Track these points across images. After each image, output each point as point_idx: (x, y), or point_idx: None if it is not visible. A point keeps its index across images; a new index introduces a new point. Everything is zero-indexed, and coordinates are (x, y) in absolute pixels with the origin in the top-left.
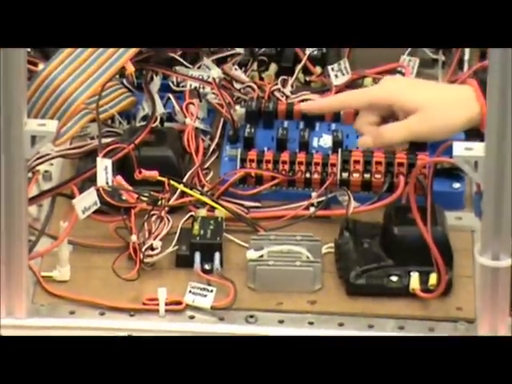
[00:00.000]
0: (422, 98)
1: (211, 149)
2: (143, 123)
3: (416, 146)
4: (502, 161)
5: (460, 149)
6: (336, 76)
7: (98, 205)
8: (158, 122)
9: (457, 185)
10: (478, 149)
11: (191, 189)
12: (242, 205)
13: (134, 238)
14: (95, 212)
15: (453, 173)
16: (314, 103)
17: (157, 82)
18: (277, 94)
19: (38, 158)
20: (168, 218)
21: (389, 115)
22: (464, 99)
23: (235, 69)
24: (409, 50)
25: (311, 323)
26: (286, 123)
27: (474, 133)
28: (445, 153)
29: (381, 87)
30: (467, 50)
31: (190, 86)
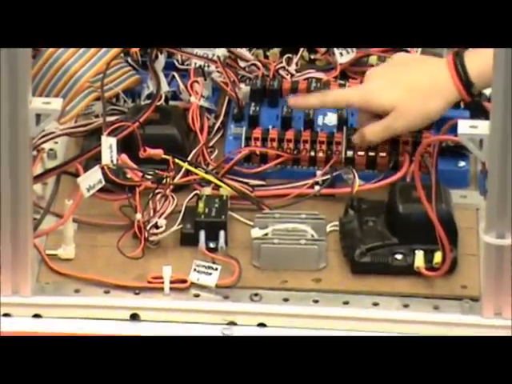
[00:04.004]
0: (396, 98)
1: (216, 127)
2: (148, 101)
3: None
4: (507, 139)
5: (465, 127)
6: (341, 54)
7: (103, 183)
8: (162, 101)
9: (461, 163)
10: (482, 127)
11: (196, 167)
12: (246, 183)
13: (138, 216)
14: (100, 190)
15: (458, 151)
16: (301, 101)
17: (161, 61)
18: (282, 72)
19: (42, 137)
20: (173, 197)
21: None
22: (440, 85)
23: None
24: None
25: (316, 301)
26: None
27: (479, 111)
28: (450, 131)
29: (357, 91)
30: None
31: (195, 64)
